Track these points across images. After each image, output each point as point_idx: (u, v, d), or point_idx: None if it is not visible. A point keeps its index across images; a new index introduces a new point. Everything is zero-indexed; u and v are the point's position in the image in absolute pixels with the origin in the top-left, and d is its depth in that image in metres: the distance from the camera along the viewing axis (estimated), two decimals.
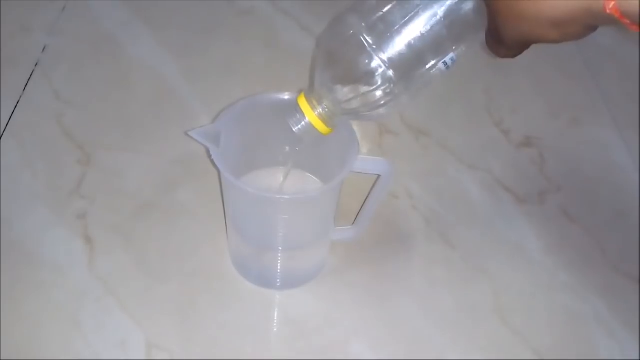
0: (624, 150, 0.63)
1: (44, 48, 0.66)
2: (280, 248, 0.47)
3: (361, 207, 0.48)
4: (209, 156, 0.42)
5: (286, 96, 0.46)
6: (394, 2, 0.37)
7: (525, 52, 0.36)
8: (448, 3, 0.37)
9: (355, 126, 0.60)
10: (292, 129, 0.42)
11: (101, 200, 0.54)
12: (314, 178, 0.51)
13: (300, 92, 0.41)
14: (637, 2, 0.28)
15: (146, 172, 0.57)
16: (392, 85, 0.38)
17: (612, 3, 0.29)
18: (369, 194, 0.47)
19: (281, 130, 0.47)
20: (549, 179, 0.59)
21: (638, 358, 0.47)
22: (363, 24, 0.37)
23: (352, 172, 0.43)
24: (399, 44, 0.37)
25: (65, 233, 0.52)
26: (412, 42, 0.37)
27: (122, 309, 0.48)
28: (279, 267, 0.48)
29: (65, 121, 0.59)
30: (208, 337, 0.47)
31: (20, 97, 0.61)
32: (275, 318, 0.49)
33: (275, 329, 0.48)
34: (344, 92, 0.39)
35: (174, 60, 0.66)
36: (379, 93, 0.38)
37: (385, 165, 0.44)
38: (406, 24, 0.37)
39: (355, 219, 0.49)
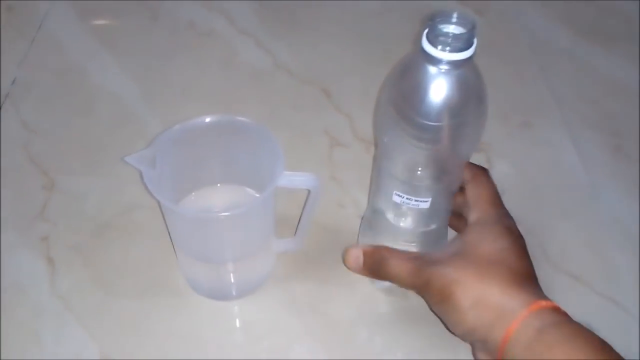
0: (573, 152, 0.65)
1: (14, 80, 0.69)
2: (223, 261, 0.50)
3: (298, 221, 0.51)
4: (142, 180, 0.44)
5: (219, 118, 0.49)
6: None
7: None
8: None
9: (307, 140, 0.63)
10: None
11: (63, 223, 0.57)
12: (252, 191, 0.53)
13: None
14: None
15: (106, 194, 0.60)
16: None
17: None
18: (302, 208, 0.50)
19: (216, 150, 0.50)
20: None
21: None
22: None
23: (281, 187, 0.45)
24: None
25: (28, 254, 0.55)
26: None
27: (79, 324, 0.51)
28: (225, 279, 0.51)
29: (31, 149, 0.63)
30: (159, 348, 0.49)
31: None
32: (223, 327, 0.51)
33: (223, 338, 0.50)
34: None
35: (136, 85, 0.70)
36: None
37: (312, 180, 0.46)
38: None
39: (295, 231, 0.52)
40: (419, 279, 0.44)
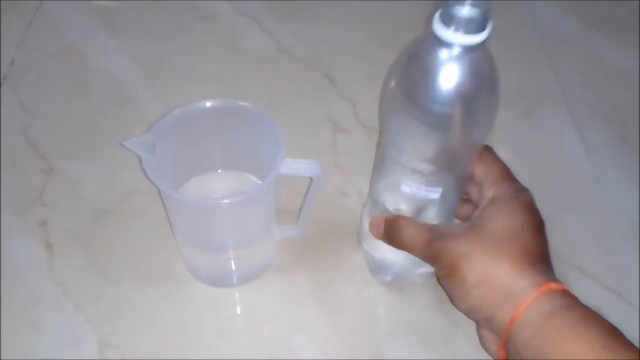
0: (578, 141, 0.64)
1: (12, 61, 0.68)
2: (223, 249, 0.49)
3: (301, 208, 0.50)
4: (141, 166, 0.44)
5: (220, 103, 0.48)
6: None
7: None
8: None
9: (309, 126, 0.62)
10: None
11: (62, 208, 0.57)
12: (253, 178, 0.53)
13: None
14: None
15: (106, 179, 0.59)
16: None
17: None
18: (305, 195, 0.49)
19: (217, 135, 0.49)
20: None
21: None
22: None
23: (284, 174, 0.45)
24: None
25: (26, 240, 0.54)
26: None
27: (77, 310, 0.50)
28: (225, 267, 0.51)
29: (30, 132, 0.62)
30: (157, 335, 0.49)
31: None
32: (224, 314, 0.51)
33: (222, 325, 0.50)
34: None
35: (137, 67, 0.69)
36: None
37: (315, 167, 0.46)
38: None
39: (298, 218, 0.51)
40: (430, 250, 0.44)
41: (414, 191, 0.45)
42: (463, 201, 0.50)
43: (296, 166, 0.45)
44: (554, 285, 0.40)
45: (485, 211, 0.44)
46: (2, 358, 0.47)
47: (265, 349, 0.49)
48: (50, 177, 0.59)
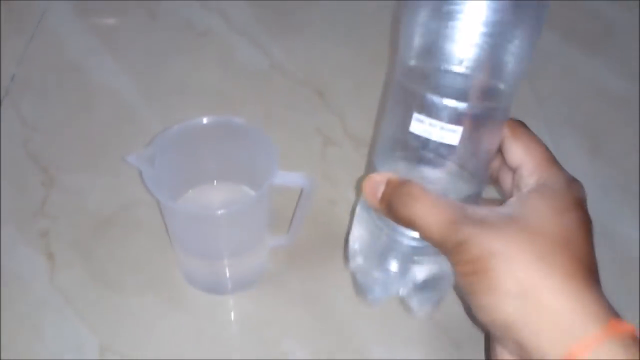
0: (551, 150, 0.67)
1: (13, 77, 0.71)
2: (219, 257, 0.52)
3: (292, 217, 0.53)
4: (141, 179, 0.46)
5: (216, 119, 0.50)
6: None
7: None
8: None
9: (300, 139, 0.65)
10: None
11: (63, 219, 0.59)
12: (247, 189, 0.55)
13: None
14: None
15: (106, 191, 0.61)
16: None
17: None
18: (296, 205, 0.51)
19: (213, 149, 0.52)
20: None
21: None
22: None
23: (276, 185, 0.47)
24: None
25: (29, 250, 0.56)
26: None
27: (79, 317, 0.52)
28: (220, 274, 0.53)
29: (31, 146, 0.64)
30: (156, 339, 0.51)
31: None
32: (219, 320, 0.53)
33: (218, 331, 0.52)
34: None
35: (135, 83, 0.71)
36: None
37: (304, 179, 0.48)
38: None
39: (289, 227, 0.54)
40: (452, 235, 0.33)
41: (426, 129, 0.35)
42: (483, 201, 0.39)
43: (287, 178, 0.48)
44: (625, 326, 0.31)
45: (528, 200, 0.35)
46: None
47: (257, 352, 0.51)
48: (52, 189, 0.61)
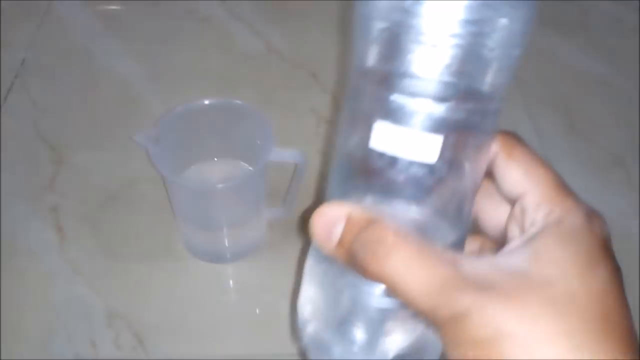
0: (530, 129, 0.71)
1: (23, 61, 0.74)
2: (219, 227, 0.55)
3: (287, 191, 0.56)
4: (147, 155, 0.49)
5: (217, 101, 0.54)
6: None
7: None
8: None
9: (295, 118, 0.68)
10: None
11: (71, 195, 0.62)
12: (246, 165, 0.59)
13: None
14: None
15: (112, 168, 0.65)
16: None
17: None
18: (290, 179, 0.55)
19: (214, 129, 0.55)
20: None
21: None
22: None
23: (272, 161, 0.51)
24: None
25: (39, 224, 0.60)
26: None
27: (87, 286, 0.56)
28: (220, 244, 0.57)
29: (40, 126, 0.68)
30: (160, 305, 0.55)
31: (1, 105, 0.69)
32: (219, 287, 0.57)
33: (218, 297, 0.56)
34: None
35: (139, 66, 0.74)
36: None
37: (298, 155, 0.51)
38: None
39: (284, 200, 0.57)
40: (446, 305, 0.24)
41: (392, 143, 0.26)
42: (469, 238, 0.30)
43: (282, 154, 0.51)
44: None
45: (542, 248, 0.25)
46: (19, 330, 0.53)
47: (255, 316, 0.54)
48: (60, 167, 0.64)
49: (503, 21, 0.26)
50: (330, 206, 0.27)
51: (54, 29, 0.78)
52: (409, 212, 0.27)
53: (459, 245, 0.28)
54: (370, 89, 0.27)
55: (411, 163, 0.26)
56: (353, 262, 0.26)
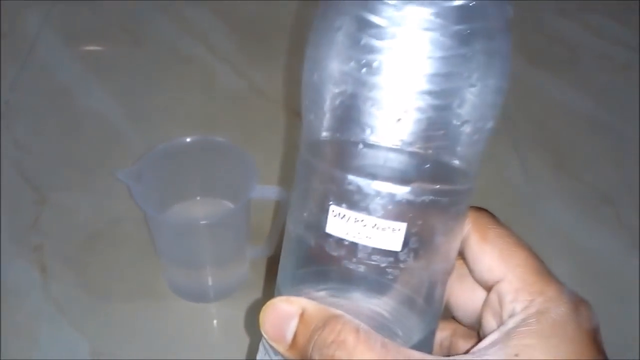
0: (517, 166, 0.72)
1: (6, 102, 0.75)
2: (201, 266, 0.56)
3: (270, 229, 0.57)
4: (131, 194, 0.50)
5: (199, 139, 0.55)
6: None
7: None
8: None
9: (278, 155, 0.69)
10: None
11: (55, 234, 0.63)
12: (229, 204, 0.59)
13: None
14: None
15: (94, 207, 0.65)
16: None
17: None
18: (273, 217, 0.56)
19: (196, 167, 0.56)
20: None
21: None
22: None
23: (254, 198, 0.51)
24: None
25: (24, 264, 0.60)
26: None
27: (71, 324, 0.56)
28: (203, 283, 0.57)
29: (23, 166, 0.68)
30: (144, 346, 0.55)
31: None
32: (202, 327, 0.57)
33: (201, 337, 0.56)
34: None
35: (120, 106, 0.75)
36: None
37: (280, 192, 0.52)
38: None
39: (267, 238, 0.58)
40: None
41: (351, 229, 0.23)
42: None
43: (264, 191, 0.52)
44: None
45: (523, 344, 0.23)
46: None
47: (240, 355, 0.55)
48: (44, 207, 0.65)
49: (472, 90, 0.24)
50: (281, 300, 0.25)
51: (37, 70, 0.79)
52: (371, 304, 0.24)
53: (429, 339, 0.26)
54: (323, 166, 0.24)
55: (373, 250, 0.23)
56: None
